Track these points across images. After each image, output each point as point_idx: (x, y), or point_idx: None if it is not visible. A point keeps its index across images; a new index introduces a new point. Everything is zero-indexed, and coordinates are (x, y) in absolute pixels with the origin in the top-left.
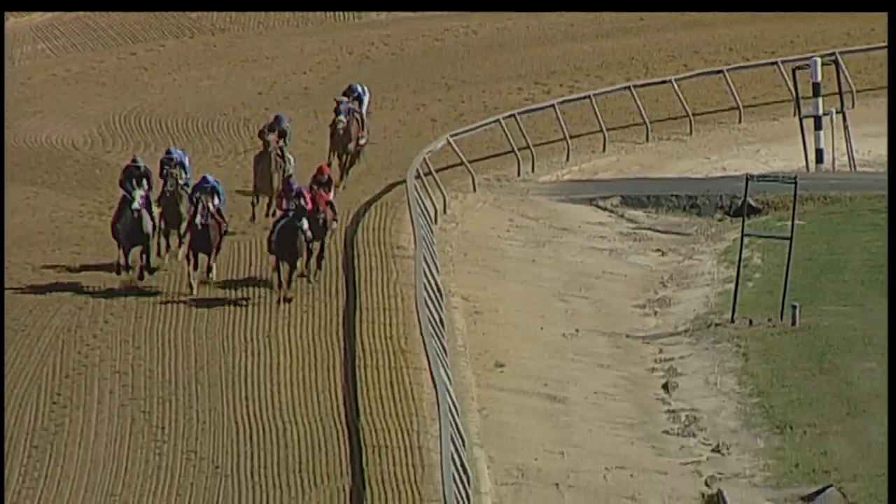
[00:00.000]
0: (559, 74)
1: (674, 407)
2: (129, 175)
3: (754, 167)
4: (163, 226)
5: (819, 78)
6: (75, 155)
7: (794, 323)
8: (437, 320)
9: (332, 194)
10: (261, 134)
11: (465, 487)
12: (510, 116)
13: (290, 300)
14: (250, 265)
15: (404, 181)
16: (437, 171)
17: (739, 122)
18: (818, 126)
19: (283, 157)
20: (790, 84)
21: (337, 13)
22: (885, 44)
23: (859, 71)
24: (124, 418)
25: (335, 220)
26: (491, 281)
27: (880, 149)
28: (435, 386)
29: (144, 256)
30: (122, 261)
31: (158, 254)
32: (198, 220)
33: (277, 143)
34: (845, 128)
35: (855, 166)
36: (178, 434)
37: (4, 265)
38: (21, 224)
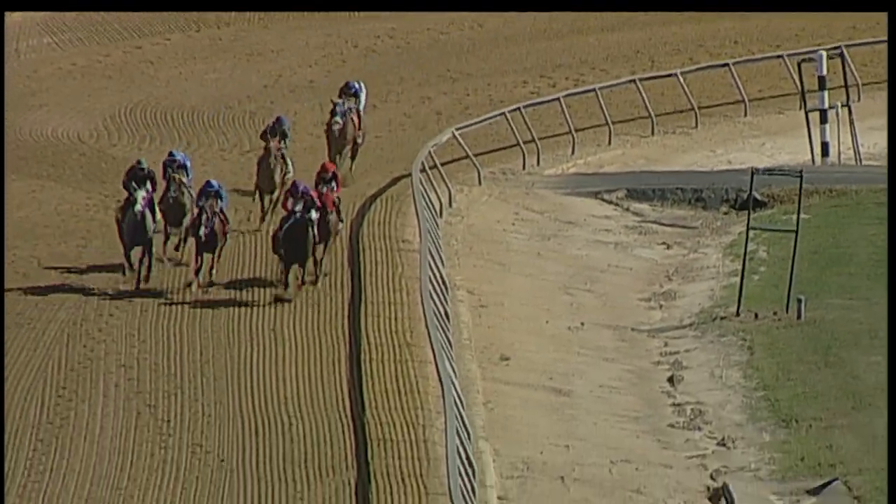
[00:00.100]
0: (564, 68)
1: (679, 400)
2: (132, 177)
3: (760, 161)
4: (164, 226)
5: (825, 71)
6: (81, 148)
7: (799, 316)
8: (443, 314)
9: (338, 190)
10: (263, 136)
11: (470, 481)
12: (515, 110)
13: (288, 301)
14: (255, 259)
15: (409, 175)
16: (442, 164)
17: (745, 115)
18: (824, 119)
19: (283, 157)
20: (796, 77)
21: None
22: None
23: (865, 64)
24: (130, 412)
25: (340, 221)
26: (496, 274)
27: (886, 142)
28: (440, 379)
29: (147, 257)
30: (126, 262)
31: (163, 250)
32: (202, 231)
33: (278, 146)
34: (851, 121)
35: (860, 159)
36: (184, 427)
37: (4, 259)
38: (27, 217)
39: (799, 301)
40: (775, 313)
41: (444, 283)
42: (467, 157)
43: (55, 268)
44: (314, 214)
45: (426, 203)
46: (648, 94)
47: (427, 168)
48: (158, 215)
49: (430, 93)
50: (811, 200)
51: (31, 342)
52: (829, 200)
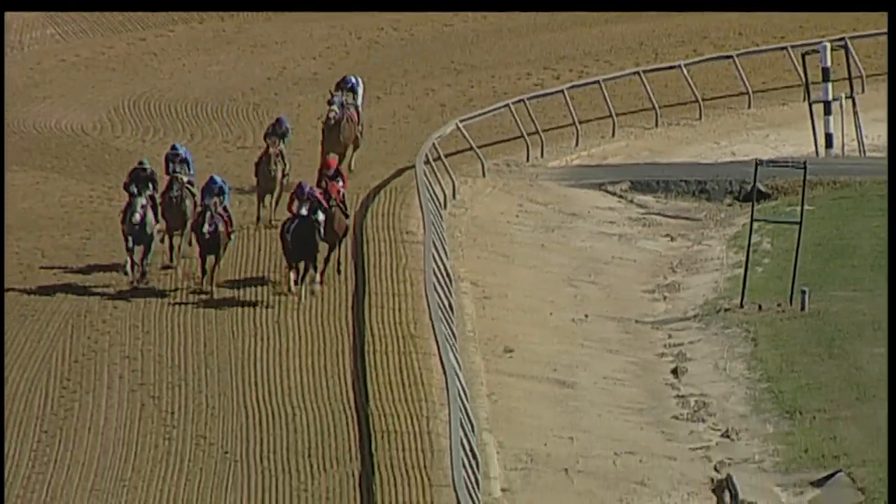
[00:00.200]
0: (568, 59)
1: (683, 392)
2: (134, 177)
3: (764, 152)
4: (165, 227)
5: (828, 63)
6: (84, 140)
7: (803, 308)
8: (447, 305)
9: (345, 186)
10: (265, 136)
11: (474, 472)
12: (519, 101)
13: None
14: (260, 253)
15: (413, 166)
16: (446, 156)
17: (749, 107)
18: (828, 111)
19: (282, 157)
20: (800, 69)
21: None
22: None
23: (869, 56)
24: (134, 403)
25: (346, 216)
26: (500, 266)
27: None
28: (444, 371)
29: (147, 256)
30: (129, 259)
31: (170, 258)
32: (205, 229)
33: (277, 147)
34: (855, 113)
35: (864, 151)
36: (188, 419)
37: (4, 252)
38: (30, 209)
39: (803, 293)
40: (779, 305)
41: (447, 274)
42: (471, 148)
43: (59, 260)
44: (321, 216)
45: (430, 195)
46: (652, 86)
47: (431, 160)
48: (160, 218)
49: (433, 85)
50: (815, 192)
51: (34, 334)
52: (833, 192)
